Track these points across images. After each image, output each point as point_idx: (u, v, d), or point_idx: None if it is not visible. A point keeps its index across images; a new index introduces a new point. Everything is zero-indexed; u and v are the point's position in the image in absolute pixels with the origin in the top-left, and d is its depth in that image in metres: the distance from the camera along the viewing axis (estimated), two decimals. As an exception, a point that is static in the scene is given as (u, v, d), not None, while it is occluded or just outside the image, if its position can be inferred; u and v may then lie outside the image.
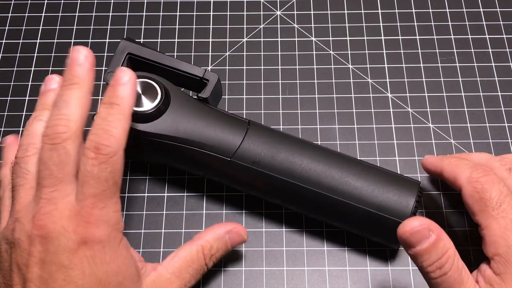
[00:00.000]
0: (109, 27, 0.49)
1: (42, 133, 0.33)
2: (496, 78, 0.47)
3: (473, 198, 0.33)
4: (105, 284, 0.31)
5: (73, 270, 0.30)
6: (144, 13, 0.50)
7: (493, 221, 0.32)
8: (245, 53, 0.48)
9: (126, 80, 0.33)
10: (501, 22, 0.49)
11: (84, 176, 0.31)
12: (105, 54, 0.48)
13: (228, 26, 0.49)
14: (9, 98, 0.46)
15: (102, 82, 0.47)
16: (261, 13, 0.50)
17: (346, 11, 0.50)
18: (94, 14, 0.50)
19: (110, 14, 0.50)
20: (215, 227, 0.37)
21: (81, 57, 0.33)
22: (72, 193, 0.31)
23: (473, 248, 0.40)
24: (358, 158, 0.40)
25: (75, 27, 0.50)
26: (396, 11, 0.50)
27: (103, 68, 0.47)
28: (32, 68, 0.47)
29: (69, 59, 0.33)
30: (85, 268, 0.31)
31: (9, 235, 0.32)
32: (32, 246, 0.31)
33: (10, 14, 0.50)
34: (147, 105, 0.37)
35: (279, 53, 0.48)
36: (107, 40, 0.49)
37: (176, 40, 0.49)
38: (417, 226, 0.31)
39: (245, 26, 0.49)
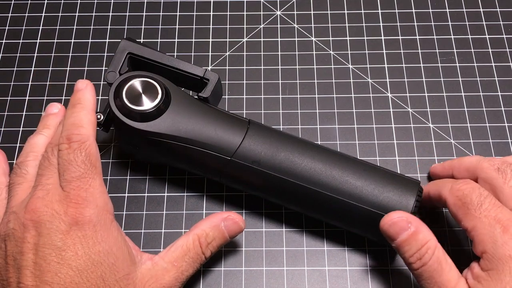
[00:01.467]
0: (109, 27, 0.49)
1: (43, 144, 0.37)
2: (496, 78, 0.47)
3: (457, 206, 0.34)
4: (97, 264, 0.32)
5: (66, 251, 0.31)
6: (144, 13, 0.50)
7: (477, 222, 0.33)
8: (245, 53, 0.48)
9: (84, 86, 0.38)
10: (501, 22, 0.49)
11: (62, 165, 0.34)
12: (105, 54, 0.48)
13: (228, 26, 0.49)
14: (9, 98, 0.46)
15: (102, 82, 0.47)
16: (261, 13, 0.50)
17: (346, 11, 0.50)
18: (94, 14, 0.50)
19: (110, 14, 0.50)
20: (211, 216, 0.37)
21: (83, 85, 0.38)
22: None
23: (473, 248, 0.40)
24: (359, 158, 0.40)
25: (75, 27, 0.49)
26: (396, 11, 0.50)
27: (103, 68, 0.47)
28: (32, 68, 0.47)
29: (75, 88, 0.38)
30: (77, 249, 0.32)
31: (3, 229, 0.33)
32: (26, 232, 0.32)
33: (10, 14, 0.50)
34: (148, 104, 0.37)
35: (279, 53, 0.48)
36: (107, 40, 0.49)
37: (176, 40, 0.49)
38: (395, 218, 0.34)
39: (245, 26, 0.49)
